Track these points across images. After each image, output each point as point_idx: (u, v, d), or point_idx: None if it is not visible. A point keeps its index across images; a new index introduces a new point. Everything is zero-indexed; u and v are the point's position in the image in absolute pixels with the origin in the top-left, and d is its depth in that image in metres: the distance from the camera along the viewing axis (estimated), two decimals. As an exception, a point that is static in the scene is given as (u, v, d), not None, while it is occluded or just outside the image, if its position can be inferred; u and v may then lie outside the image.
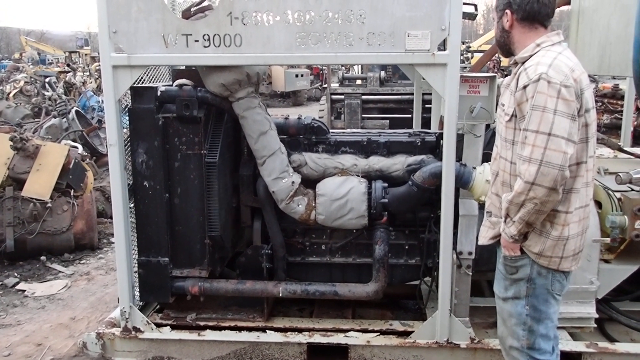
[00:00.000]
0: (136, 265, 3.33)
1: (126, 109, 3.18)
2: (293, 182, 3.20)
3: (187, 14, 3.03)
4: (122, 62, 2.94)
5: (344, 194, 3.19)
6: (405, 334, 3.26)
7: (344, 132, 3.55)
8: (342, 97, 8.69)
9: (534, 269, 2.32)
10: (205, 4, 3.09)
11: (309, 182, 3.33)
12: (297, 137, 3.44)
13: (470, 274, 3.29)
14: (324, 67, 18.30)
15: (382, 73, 8.68)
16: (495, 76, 2.95)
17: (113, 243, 5.91)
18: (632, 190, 3.23)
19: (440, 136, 3.43)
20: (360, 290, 3.27)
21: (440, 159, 3.32)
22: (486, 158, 3.25)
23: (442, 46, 2.96)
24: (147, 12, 2.87)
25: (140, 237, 3.28)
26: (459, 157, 3.15)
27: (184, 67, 3.45)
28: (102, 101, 12.05)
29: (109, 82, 2.97)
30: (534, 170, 2.12)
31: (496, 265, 2.57)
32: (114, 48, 2.95)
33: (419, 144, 3.41)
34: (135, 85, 3.07)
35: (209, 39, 2.89)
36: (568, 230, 2.27)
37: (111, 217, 6.75)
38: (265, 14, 2.84)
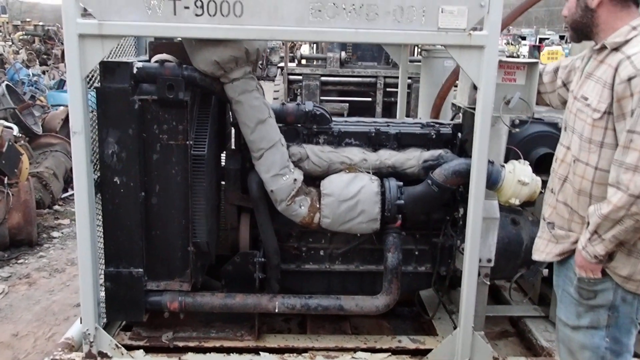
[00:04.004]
0: (102, 277, 2.78)
1: (92, 88, 2.61)
2: (295, 180, 2.73)
3: (172, -26, 2.46)
4: (92, 31, 2.35)
5: (354, 193, 2.75)
6: (419, 352, 2.90)
7: (347, 121, 3.10)
8: (300, 77, 8.18)
9: (618, 294, 1.98)
10: (194, -38, 2.54)
11: (309, 179, 2.88)
12: (296, 126, 2.97)
13: (488, 283, 2.97)
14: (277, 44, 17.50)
15: (343, 53, 8.23)
16: (537, 62, 2.58)
17: (55, 238, 5.24)
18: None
19: (456, 128, 3.06)
20: (369, 304, 2.86)
21: (457, 154, 2.99)
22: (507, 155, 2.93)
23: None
24: (125, -31, 2.30)
25: (108, 244, 2.72)
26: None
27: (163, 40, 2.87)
28: (32, 75, 11.00)
29: (74, 55, 2.38)
30: None
31: (557, 286, 2.22)
32: (80, 12, 2.35)
33: (433, 136, 3.01)
34: (106, 59, 2.49)
35: (202, 7, 2.35)
36: None
37: (49, 207, 6.05)
38: (274, -23, 2.34)
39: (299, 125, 2.97)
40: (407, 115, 4.77)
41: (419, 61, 5.06)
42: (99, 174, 2.67)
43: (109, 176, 2.63)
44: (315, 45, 9.87)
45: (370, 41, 2.86)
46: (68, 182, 6.60)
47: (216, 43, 2.48)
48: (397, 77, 7.98)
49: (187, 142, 2.62)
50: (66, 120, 7.13)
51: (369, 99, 8.45)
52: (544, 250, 2.21)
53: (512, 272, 3.11)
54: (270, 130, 2.69)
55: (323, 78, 8.28)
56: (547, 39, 24.79)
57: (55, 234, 5.34)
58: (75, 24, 2.34)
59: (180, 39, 2.65)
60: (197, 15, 2.36)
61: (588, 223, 1.97)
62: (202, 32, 2.41)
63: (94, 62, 2.43)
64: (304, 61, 8.61)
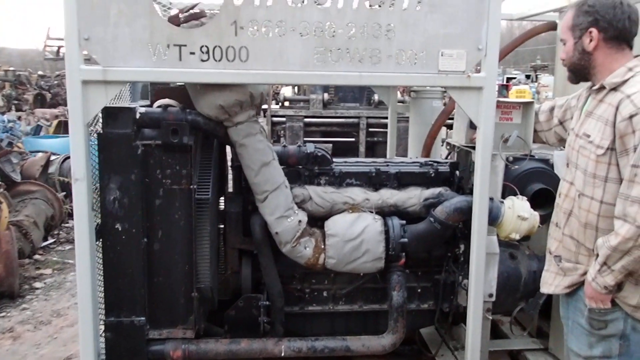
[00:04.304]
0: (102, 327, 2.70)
1: (92, 134, 2.59)
2: (300, 221, 2.73)
3: (175, 21, 2.49)
4: (96, 77, 2.35)
5: (358, 233, 2.76)
6: (427, 392, 2.87)
7: (346, 162, 3.13)
8: (284, 119, 8.26)
9: (628, 323, 2.02)
10: (196, 10, 2.58)
11: (312, 220, 2.88)
12: (297, 168, 2.98)
13: (490, 318, 2.98)
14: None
15: (326, 95, 8.35)
16: (532, 102, 2.67)
17: (37, 289, 5.07)
18: None
19: (453, 166, 3.12)
20: (375, 344, 2.83)
21: (455, 191, 3.03)
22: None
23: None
24: (130, 16, 2.32)
25: (109, 293, 2.65)
26: (470, 188, 2.85)
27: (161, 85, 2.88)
28: (7, 121, 10.83)
29: (77, 102, 2.36)
30: None
31: (566, 318, 2.24)
32: (84, 59, 2.36)
33: (432, 175, 3.06)
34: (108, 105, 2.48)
35: (207, 52, 2.38)
36: None
37: (30, 257, 5.88)
38: (278, 24, 2.39)
39: (301, 166, 2.98)
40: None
41: (404, 102, 5.17)
42: (98, 221, 2.62)
43: (110, 223, 2.58)
44: (297, 87, 9.99)
45: (373, 84, 2.92)
46: (48, 230, 6.44)
47: (221, 87, 2.50)
48: (379, 118, 8.18)
49: (192, 187, 2.60)
50: (45, 166, 7.02)
51: (352, 139, 8.56)
52: (552, 283, 2.24)
53: (512, 306, 3.14)
54: (274, 173, 2.70)
55: (306, 119, 8.39)
56: (514, 78, 25.55)
57: (37, 284, 5.16)
58: (78, 71, 2.34)
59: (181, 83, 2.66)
60: (202, 60, 2.38)
61: (597, 255, 2.01)
62: (208, 77, 2.43)
63: (97, 108, 2.41)
64: (287, 103, 8.68)
